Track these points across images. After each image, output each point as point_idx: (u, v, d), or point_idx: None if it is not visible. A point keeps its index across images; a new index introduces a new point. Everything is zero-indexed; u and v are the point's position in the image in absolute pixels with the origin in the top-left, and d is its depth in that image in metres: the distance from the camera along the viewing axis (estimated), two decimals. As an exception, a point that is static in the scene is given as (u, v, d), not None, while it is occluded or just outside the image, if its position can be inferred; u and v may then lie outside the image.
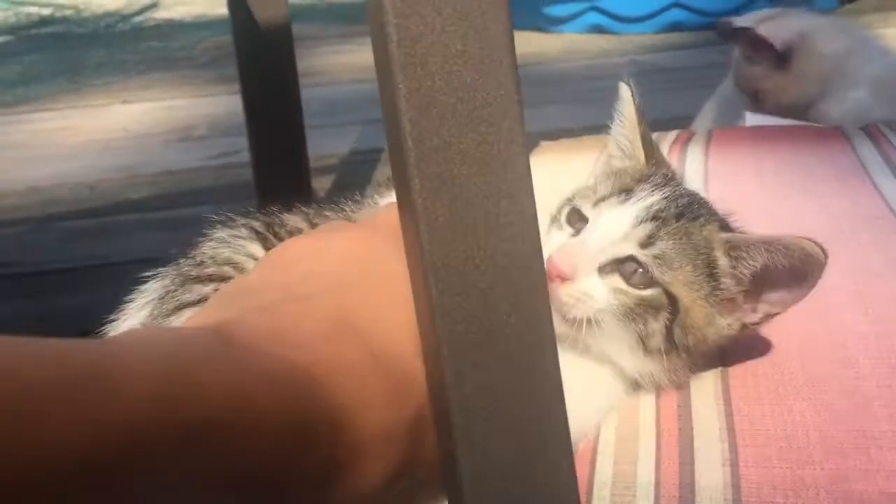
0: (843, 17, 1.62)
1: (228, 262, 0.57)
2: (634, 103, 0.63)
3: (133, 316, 0.60)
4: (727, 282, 0.55)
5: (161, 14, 3.45)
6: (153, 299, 0.59)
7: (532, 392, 0.39)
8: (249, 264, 0.57)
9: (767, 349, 0.62)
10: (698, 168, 0.98)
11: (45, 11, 3.47)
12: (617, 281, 0.54)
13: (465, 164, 0.38)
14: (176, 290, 0.57)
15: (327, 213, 0.63)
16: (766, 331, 0.62)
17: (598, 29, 2.98)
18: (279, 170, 1.23)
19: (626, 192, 0.58)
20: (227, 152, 1.86)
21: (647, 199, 0.57)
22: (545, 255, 0.42)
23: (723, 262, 0.55)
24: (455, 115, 0.37)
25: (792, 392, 0.57)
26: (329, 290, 0.41)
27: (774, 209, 0.85)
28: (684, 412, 0.57)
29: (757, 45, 1.44)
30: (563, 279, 0.53)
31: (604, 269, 0.55)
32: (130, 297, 0.61)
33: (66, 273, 1.45)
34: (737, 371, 0.60)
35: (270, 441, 0.33)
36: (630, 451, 0.54)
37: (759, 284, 0.55)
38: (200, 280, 0.56)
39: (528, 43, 2.89)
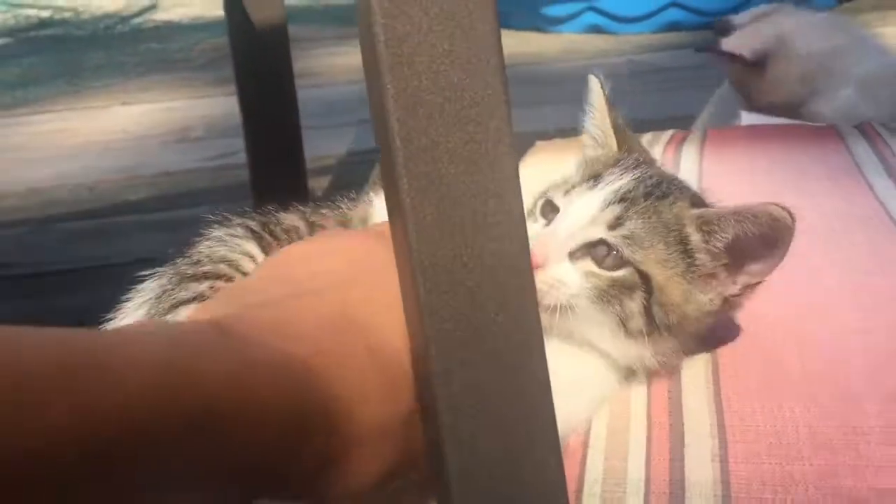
0: (838, 15, 1.61)
1: (224, 260, 0.57)
2: (604, 93, 0.64)
3: (130, 315, 0.60)
4: (702, 257, 0.56)
5: (160, 16, 3.45)
6: (150, 298, 0.59)
7: (519, 390, 0.40)
8: (245, 262, 0.57)
9: (758, 346, 0.62)
10: (693, 167, 0.99)
11: (44, 14, 3.47)
12: (588, 265, 0.55)
13: (453, 163, 0.38)
14: (173, 289, 0.58)
15: (323, 210, 0.64)
16: (757, 327, 0.62)
17: (596, 29, 2.99)
18: (275, 171, 1.23)
19: (594, 178, 0.58)
20: (225, 153, 1.86)
21: (616, 183, 0.57)
22: None
23: (695, 237, 0.56)
24: (442, 115, 0.38)
25: (782, 388, 0.58)
26: (331, 286, 0.41)
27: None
28: (675, 408, 0.57)
29: (731, 55, 1.46)
30: (535, 267, 0.54)
31: (575, 255, 0.55)
32: (128, 296, 0.61)
33: (67, 274, 1.45)
34: (728, 367, 0.60)
35: (271, 432, 0.34)
36: (620, 446, 0.55)
37: (737, 257, 0.55)
38: (196, 278, 0.56)
39: (526, 43, 2.89)
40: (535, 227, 0.59)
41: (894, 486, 0.49)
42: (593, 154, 0.65)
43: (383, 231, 0.42)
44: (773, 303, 0.67)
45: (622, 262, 0.54)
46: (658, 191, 0.57)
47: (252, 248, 0.59)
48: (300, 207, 0.64)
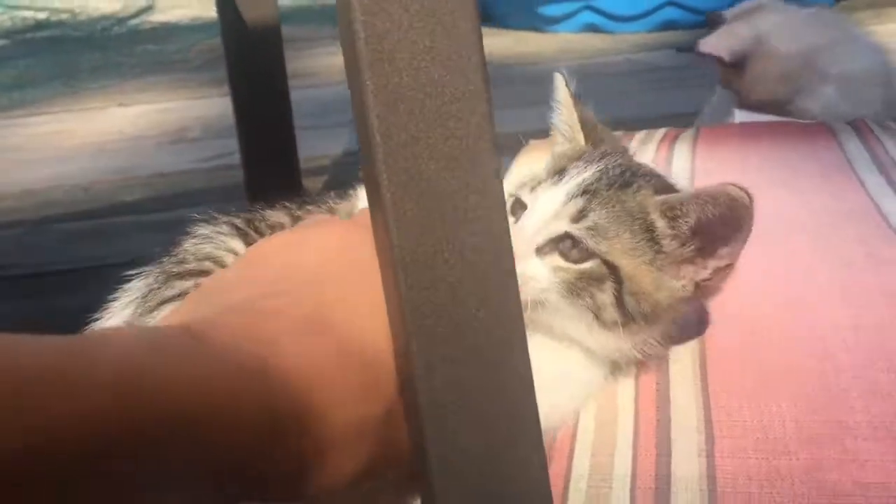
0: (825, 11, 1.60)
1: (209, 258, 0.58)
2: (568, 89, 0.64)
3: (117, 314, 0.60)
4: (670, 243, 0.56)
5: (156, 17, 3.46)
6: (137, 297, 0.59)
7: (501, 386, 0.40)
8: (230, 258, 0.57)
9: (746, 341, 0.62)
10: (685, 165, 0.99)
11: (41, 15, 3.48)
12: (556, 259, 0.55)
13: (434, 159, 0.38)
14: (160, 288, 0.58)
15: (310, 207, 0.64)
16: (745, 322, 0.62)
17: (593, 28, 2.99)
18: (269, 171, 1.23)
19: (559, 172, 0.58)
20: (221, 154, 1.86)
21: (580, 176, 0.58)
22: None
23: (660, 223, 0.56)
24: (423, 111, 0.38)
25: (770, 383, 0.58)
26: (305, 285, 0.41)
27: (756, 204, 0.85)
28: (662, 403, 0.57)
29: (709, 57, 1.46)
30: None
31: (542, 250, 0.56)
32: (115, 296, 0.61)
33: (66, 274, 1.46)
34: (715, 363, 0.60)
35: (245, 435, 0.34)
36: (608, 440, 0.55)
37: (705, 241, 0.55)
38: (181, 276, 0.56)
39: (523, 43, 2.90)
40: None
41: (879, 480, 0.49)
42: (561, 149, 0.65)
43: (364, 221, 0.41)
44: (762, 298, 0.67)
45: (588, 255, 0.55)
46: (621, 180, 0.57)
47: (237, 244, 0.59)
48: (286, 204, 0.64)
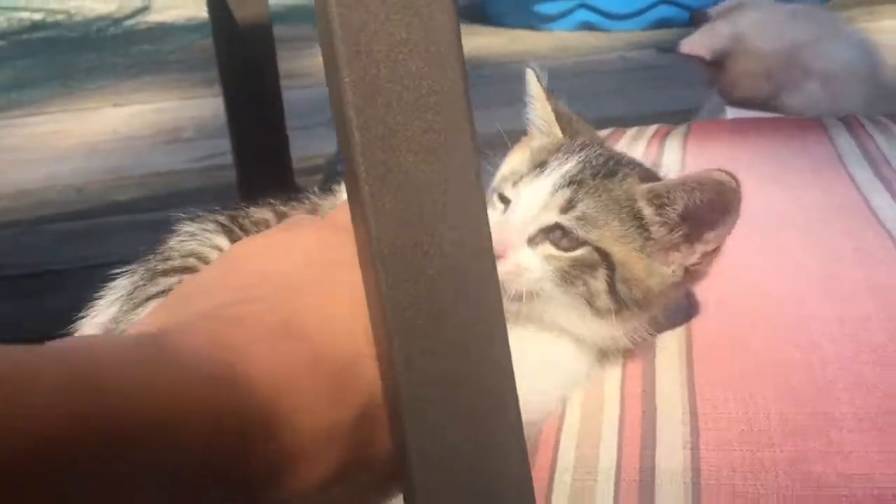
0: (810, 7, 1.59)
1: (193, 254, 0.58)
2: (540, 83, 0.64)
3: (102, 312, 0.60)
4: (658, 230, 0.56)
5: (152, 17, 3.46)
6: (122, 295, 0.59)
7: (481, 379, 0.40)
8: (214, 255, 0.57)
9: (733, 333, 0.62)
10: (675, 161, 0.99)
11: (37, 16, 3.48)
12: (548, 248, 0.55)
13: (412, 151, 0.38)
14: (145, 285, 0.58)
15: (293, 202, 0.64)
16: (732, 315, 0.63)
17: (588, 26, 3.00)
18: (262, 171, 1.22)
19: (541, 165, 0.59)
20: (214, 154, 1.87)
21: (563, 167, 0.58)
22: None
23: (647, 211, 0.56)
24: (401, 103, 0.38)
25: (755, 375, 0.58)
26: (281, 290, 0.41)
27: (746, 200, 0.85)
28: (648, 395, 0.57)
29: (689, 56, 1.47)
30: (498, 258, 0.54)
31: (533, 241, 0.56)
32: (100, 294, 0.61)
33: (62, 274, 1.46)
34: (701, 355, 0.60)
35: (221, 439, 0.34)
36: (593, 433, 0.55)
37: (693, 227, 0.56)
38: (166, 273, 0.57)
39: (519, 41, 2.90)
40: (492, 216, 0.59)
41: (862, 472, 0.49)
42: (539, 143, 0.65)
43: (343, 222, 0.41)
44: (749, 291, 0.67)
45: (579, 243, 0.55)
46: (605, 169, 0.58)
47: (222, 241, 0.59)
48: (271, 201, 0.64)
